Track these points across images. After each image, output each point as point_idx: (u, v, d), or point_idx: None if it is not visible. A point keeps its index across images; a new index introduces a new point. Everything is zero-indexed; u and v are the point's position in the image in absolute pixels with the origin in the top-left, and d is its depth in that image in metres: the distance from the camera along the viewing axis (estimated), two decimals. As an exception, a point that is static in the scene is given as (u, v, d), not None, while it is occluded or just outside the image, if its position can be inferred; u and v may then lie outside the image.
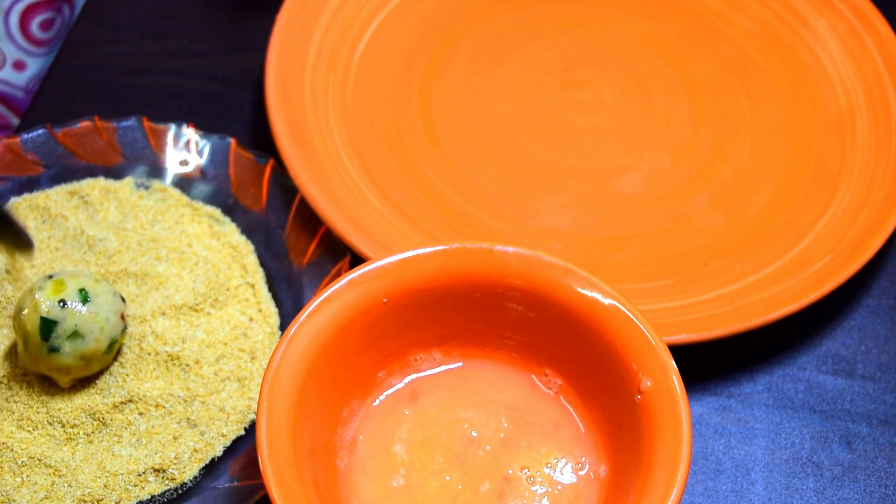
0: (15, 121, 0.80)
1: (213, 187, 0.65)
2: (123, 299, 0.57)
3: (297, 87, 0.69)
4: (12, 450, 0.54)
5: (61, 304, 0.54)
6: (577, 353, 0.54)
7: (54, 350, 0.54)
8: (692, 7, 0.78)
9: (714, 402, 0.62)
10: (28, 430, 0.55)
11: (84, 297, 0.55)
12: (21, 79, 0.78)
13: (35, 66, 0.78)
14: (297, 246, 0.63)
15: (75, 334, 0.54)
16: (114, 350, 0.56)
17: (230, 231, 0.63)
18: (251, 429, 0.57)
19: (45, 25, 0.78)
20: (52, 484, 0.54)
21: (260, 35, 0.72)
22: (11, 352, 0.57)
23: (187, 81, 0.73)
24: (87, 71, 0.73)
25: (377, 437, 0.54)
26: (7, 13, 0.76)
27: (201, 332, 0.58)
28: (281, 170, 0.65)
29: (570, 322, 0.53)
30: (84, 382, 0.56)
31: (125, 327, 0.57)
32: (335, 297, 0.52)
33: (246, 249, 0.63)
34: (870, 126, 0.70)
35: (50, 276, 0.55)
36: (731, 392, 0.62)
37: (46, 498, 0.53)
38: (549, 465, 0.53)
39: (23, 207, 0.62)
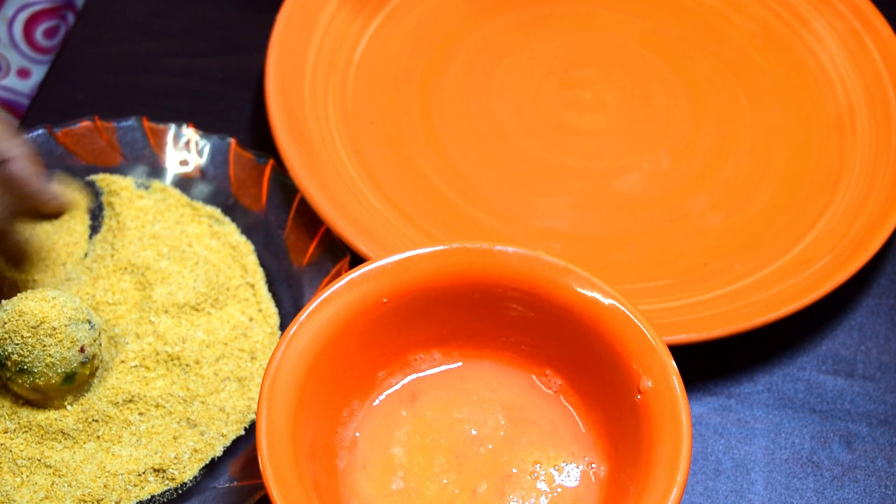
0: None
1: (213, 187, 0.65)
2: (92, 324, 0.55)
3: (297, 87, 0.69)
4: (11, 451, 0.54)
5: (10, 337, 0.53)
6: (578, 353, 0.54)
7: (10, 379, 0.54)
8: (692, 7, 0.78)
9: (714, 402, 0.62)
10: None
11: (33, 335, 0.53)
12: (26, 86, 0.78)
13: (39, 73, 0.78)
14: (297, 246, 0.63)
15: (21, 370, 0.53)
16: (77, 379, 0.54)
17: (230, 231, 0.63)
18: (251, 429, 0.57)
19: (50, 33, 0.77)
20: (52, 484, 0.54)
21: (260, 35, 0.72)
22: None
23: (187, 81, 0.73)
24: (88, 71, 0.73)
25: (377, 437, 0.54)
26: (11, 21, 0.76)
27: (201, 331, 0.58)
28: (281, 170, 0.65)
29: (570, 322, 0.53)
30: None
31: (86, 359, 0.54)
32: (335, 297, 0.52)
33: (246, 249, 0.63)
34: (870, 126, 0.70)
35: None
36: (731, 392, 0.62)
37: (46, 498, 0.53)
38: (549, 465, 0.53)
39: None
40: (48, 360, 0.53)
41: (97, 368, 0.56)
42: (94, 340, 0.55)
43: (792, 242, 0.66)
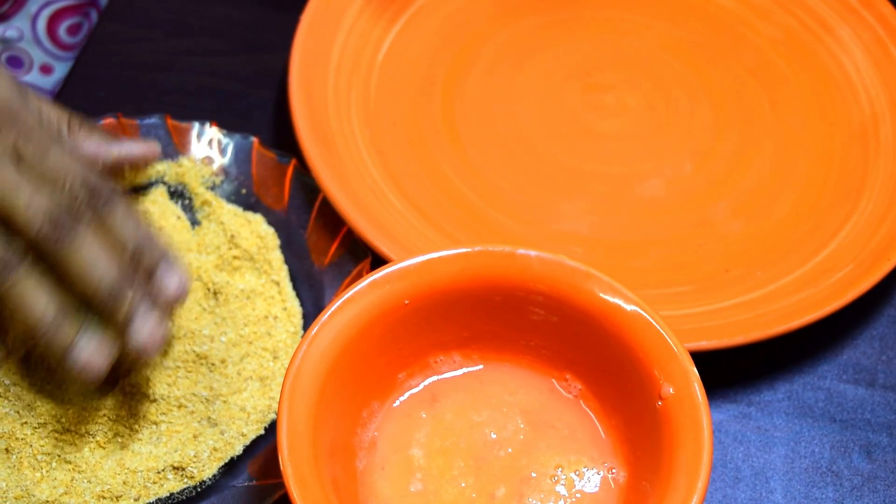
0: None
1: (236, 186, 0.65)
2: None
3: (321, 88, 0.69)
4: (31, 445, 0.54)
5: None
6: (598, 358, 0.54)
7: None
8: (716, 13, 0.77)
9: (734, 409, 0.62)
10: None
11: None
12: (48, 82, 0.78)
13: (62, 70, 0.78)
14: (318, 246, 0.63)
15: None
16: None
17: (258, 220, 0.63)
18: (271, 428, 0.57)
19: (73, 30, 0.78)
20: (72, 479, 0.54)
21: (283, 35, 0.72)
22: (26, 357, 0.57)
23: (210, 80, 0.73)
24: (111, 68, 0.73)
25: (396, 438, 0.54)
26: (34, 18, 0.76)
27: (228, 330, 0.58)
28: (303, 170, 0.65)
29: (591, 327, 0.53)
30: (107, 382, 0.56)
31: None
32: (357, 298, 0.52)
33: (272, 243, 0.62)
34: (893, 134, 0.70)
35: None
36: (751, 400, 0.62)
37: (66, 493, 0.53)
38: (568, 469, 0.53)
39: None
40: None
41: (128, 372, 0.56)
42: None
43: (814, 250, 0.65)
